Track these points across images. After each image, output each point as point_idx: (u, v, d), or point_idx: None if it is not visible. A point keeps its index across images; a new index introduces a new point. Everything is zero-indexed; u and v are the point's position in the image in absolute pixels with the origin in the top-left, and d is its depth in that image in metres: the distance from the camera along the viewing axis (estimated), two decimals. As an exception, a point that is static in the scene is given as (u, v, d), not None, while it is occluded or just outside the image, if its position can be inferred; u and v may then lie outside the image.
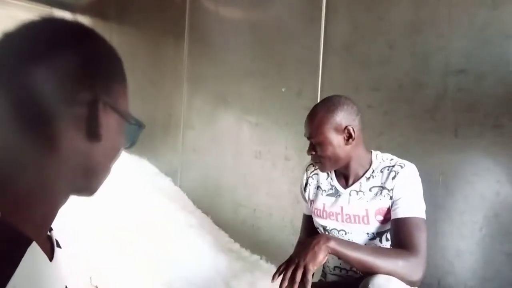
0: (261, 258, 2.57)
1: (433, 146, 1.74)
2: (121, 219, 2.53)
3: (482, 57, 1.61)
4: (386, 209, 1.25)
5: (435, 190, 1.70)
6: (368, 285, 1.04)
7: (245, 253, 2.66)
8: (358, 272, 1.25)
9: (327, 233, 1.37)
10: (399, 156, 1.33)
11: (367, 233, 1.29)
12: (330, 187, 1.38)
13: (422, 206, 1.22)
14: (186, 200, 3.27)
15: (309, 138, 1.31)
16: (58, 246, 0.61)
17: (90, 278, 1.98)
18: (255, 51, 2.73)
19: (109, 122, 0.53)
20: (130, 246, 2.30)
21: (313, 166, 1.45)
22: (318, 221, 1.40)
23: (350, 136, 1.26)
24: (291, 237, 2.39)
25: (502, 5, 1.56)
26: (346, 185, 1.35)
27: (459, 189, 1.66)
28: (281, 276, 1.10)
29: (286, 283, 1.08)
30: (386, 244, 1.28)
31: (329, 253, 1.09)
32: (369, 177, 1.30)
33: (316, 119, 1.27)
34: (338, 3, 2.19)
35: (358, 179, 1.32)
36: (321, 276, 1.46)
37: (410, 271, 1.09)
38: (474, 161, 1.63)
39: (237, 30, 2.90)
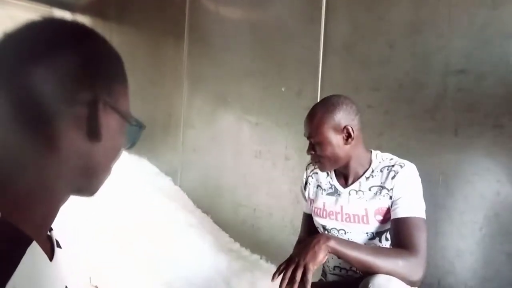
0: (261, 258, 2.57)
1: (433, 146, 1.74)
2: (121, 218, 2.53)
3: (482, 57, 1.61)
4: (386, 209, 1.25)
5: (435, 190, 1.70)
6: (368, 285, 1.04)
7: (245, 252, 2.66)
8: (358, 271, 1.25)
9: (326, 232, 1.37)
10: (399, 156, 1.33)
11: (367, 233, 1.29)
12: (330, 186, 1.38)
13: (422, 206, 1.22)
14: (186, 200, 3.27)
15: (308, 138, 1.32)
16: (59, 246, 0.61)
17: (90, 278, 1.99)
18: (255, 51, 2.73)
19: (109, 122, 0.53)
20: (130, 246, 2.30)
21: (313, 165, 1.46)
22: (318, 221, 1.40)
23: (349, 136, 1.26)
24: (291, 236, 2.39)
25: (502, 5, 1.56)
26: (345, 184, 1.35)
27: (459, 189, 1.66)
28: (281, 275, 1.10)
29: (286, 282, 1.08)
30: (386, 244, 1.28)
31: (329, 252, 1.09)
32: (368, 177, 1.30)
33: (315, 119, 1.28)
34: (338, 3, 2.19)
35: (358, 178, 1.32)
36: (321, 275, 1.46)
37: (410, 271, 1.09)
38: (474, 161, 1.63)
39: (237, 30, 2.90)
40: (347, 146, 1.27)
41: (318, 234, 1.15)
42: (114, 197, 2.49)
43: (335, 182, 1.37)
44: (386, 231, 1.27)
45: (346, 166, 1.32)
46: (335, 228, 1.34)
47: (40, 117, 0.48)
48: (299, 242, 1.48)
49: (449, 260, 1.68)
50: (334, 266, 1.37)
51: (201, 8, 3.27)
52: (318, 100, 1.67)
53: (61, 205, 0.54)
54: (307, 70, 2.33)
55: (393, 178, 1.24)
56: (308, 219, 1.48)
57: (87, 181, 0.55)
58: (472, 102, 1.63)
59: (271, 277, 1.14)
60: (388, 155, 1.33)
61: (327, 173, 1.41)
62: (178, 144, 3.50)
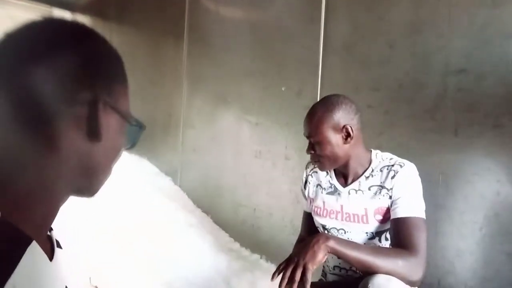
0: (261, 258, 2.57)
1: (433, 146, 1.74)
2: (121, 218, 2.53)
3: (482, 57, 1.61)
4: (386, 209, 1.25)
5: (435, 190, 1.70)
6: (368, 285, 1.04)
7: (245, 252, 2.66)
8: (358, 271, 1.25)
9: (326, 232, 1.37)
10: (399, 156, 1.33)
11: (366, 233, 1.29)
12: (330, 185, 1.38)
13: (422, 205, 1.22)
14: (186, 200, 3.27)
15: (308, 137, 1.32)
16: (59, 246, 0.61)
17: (90, 278, 1.99)
18: (255, 51, 2.73)
19: (109, 122, 0.53)
20: (130, 246, 2.30)
21: (313, 164, 1.46)
22: (318, 220, 1.40)
23: (348, 135, 1.26)
24: (291, 236, 2.39)
25: (502, 5, 1.56)
26: (345, 183, 1.35)
27: (459, 189, 1.66)
28: (281, 275, 1.10)
29: (285, 282, 1.08)
30: (386, 243, 1.28)
31: (328, 252, 1.09)
32: (368, 176, 1.30)
33: (315, 119, 1.28)
34: (338, 3, 2.19)
35: (357, 178, 1.32)
36: (321, 275, 1.46)
37: (410, 271, 1.09)
38: (474, 160, 1.63)
39: (237, 30, 2.90)
40: (347, 146, 1.27)
41: (318, 234, 1.15)
42: (114, 197, 2.49)
43: (334, 181, 1.37)
44: (385, 231, 1.27)
45: (346, 165, 1.32)
46: (335, 228, 1.34)
47: (40, 117, 0.48)
48: (300, 240, 1.48)
49: (449, 260, 1.68)
50: (334, 266, 1.37)
51: (201, 8, 3.27)
52: (318, 100, 1.67)
53: (61, 205, 0.54)
54: (307, 70, 2.33)
55: (392, 177, 1.24)
56: (308, 218, 1.48)
57: (87, 181, 0.55)
58: (472, 102, 1.63)
59: (270, 276, 1.15)
60: (388, 155, 1.33)
61: (327, 172, 1.41)
62: (178, 144, 3.50)
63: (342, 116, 1.26)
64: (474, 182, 1.62)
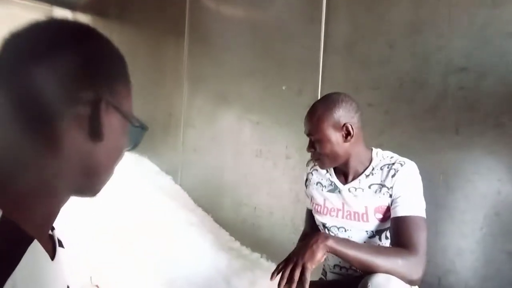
0: (261, 257, 2.58)
1: (434, 145, 1.74)
2: (122, 218, 2.54)
3: (482, 56, 1.61)
4: (386, 207, 1.25)
5: (436, 189, 1.70)
6: (368, 284, 1.04)
7: (246, 251, 2.66)
8: (358, 270, 1.25)
9: (326, 230, 1.37)
10: (400, 155, 1.32)
11: (366, 231, 1.29)
12: (330, 183, 1.38)
13: (422, 204, 1.22)
14: (187, 199, 3.28)
15: (308, 135, 1.32)
16: (61, 245, 0.62)
17: (91, 277, 1.99)
18: (256, 51, 2.73)
19: (111, 122, 0.54)
20: (130, 245, 2.30)
21: (313, 162, 1.46)
22: (318, 218, 1.40)
23: (348, 134, 1.26)
24: (291, 235, 2.40)
25: (502, 5, 1.56)
26: (345, 181, 1.35)
27: (460, 188, 1.66)
28: (280, 274, 1.10)
29: (284, 281, 1.08)
30: (386, 242, 1.28)
31: (327, 251, 1.09)
32: (368, 175, 1.30)
33: (315, 117, 1.28)
34: (339, 3, 2.19)
35: (358, 176, 1.32)
36: (322, 274, 1.46)
37: (410, 270, 1.09)
38: (475, 160, 1.63)
39: (237, 29, 2.90)
40: (347, 144, 1.27)
41: (317, 233, 1.15)
42: (115, 196, 2.49)
43: (334, 179, 1.38)
44: (386, 229, 1.28)
45: (346, 163, 1.32)
46: (335, 226, 1.34)
47: (42, 116, 0.48)
48: (304, 236, 1.48)
49: (449, 259, 1.68)
50: (334, 265, 1.38)
51: (202, 7, 3.27)
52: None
53: (63, 205, 0.55)
54: (307, 69, 2.33)
55: (393, 176, 1.24)
56: (311, 214, 1.48)
57: (89, 181, 0.55)
58: (473, 101, 1.63)
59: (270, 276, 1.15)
60: (388, 153, 1.33)
61: (326, 170, 1.41)
62: (178, 144, 3.50)
63: (343, 114, 1.26)
64: (474, 181, 1.62)
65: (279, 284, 1.09)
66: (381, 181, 1.27)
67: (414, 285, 1.14)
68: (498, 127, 1.56)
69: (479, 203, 1.61)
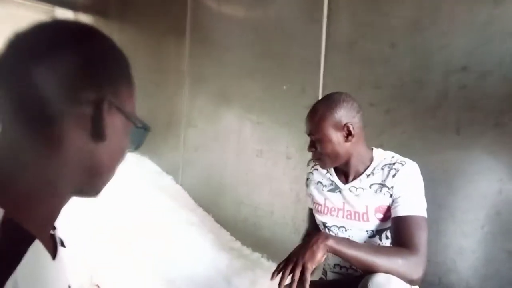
0: (262, 256, 2.58)
1: (435, 144, 1.74)
2: (122, 218, 2.54)
3: (484, 55, 1.61)
4: (386, 207, 1.25)
5: (437, 189, 1.70)
6: (368, 284, 1.04)
7: (247, 251, 2.66)
8: (358, 270, 1.25)
9: (326, 229, 1.37)
10: (401, 154, 1.32)
11: (367, 231, 1.29)
12: (331, 182, 1.38)
13: (423, 204, 1.22)
14: (188, 199, 3.28)
15: (309, 135, 1.32)
16: (63, 245, 0.62)
17: (91, 276, 1.99)
18: (257, 50, 2.73)
19: (114, 122, 0.54)
20: (131, 245, 2.31)
21: (313, 161, 1.46)
22: (318, 217, 1.40)
23: (349, 133, 1.26)
24: (292, 235, 2.40)
25: (504, 3, 1.56)
26: (346, 181, 1.35)
27: (461, 188, 1.66)
28: (280, 274, 1.10)
29: (285, 281, 1.08)
30: (386, 242, 1.28)
31: (327, 251, 1.09)
32: (369, 174, 1.30)
33: (316, 116, 1.28)
34: (340, 2, 2.19)
35: (358, 176, 1.32)
36: (322, 274, 1.46)
37: (410, 270, 1.09)
38: (476, 159, 1.63)
39: (239, 29, 2.90)
40: (348, 144, 1.27)
41: (317, 233, 1.15)
42: (116, 196, 2.50)
43: (334, 178, 1.37)
44: (386, 229, 1.27)
45: (347, 163, 1.32)
46: (336, 226, 1.34)
47: (45, 116, 0.49)
48: (308, 234, 1.48)
49: (451, 258, 1.68)
50: (335, 264, 1.37)
51: (203, 7, 3.27)
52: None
53: (64, 205, 0.55)
54: (308, 69, 2.33)
55: (394, 176, 1.24)
56: (313, 214, 1.48)
57: (91, 181, 0.55)
58: (474, 101, 1.63)
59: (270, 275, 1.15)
60: (389, 153, 1.33)
61: (327, 170, 1.41)
62: (179, 143, 3.51)
63: (344, 114, 1.26)
64: (475, 181, 1.62)
65: (279, 284, 1.09)
66: (382, 181, 1.26)
67: (415, 284, 1.14)
68: (499, 127, 1.56)
69: (480, 202, 1.61)
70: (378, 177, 1.28)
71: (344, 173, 1.36)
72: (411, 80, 1.84)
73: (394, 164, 1.26)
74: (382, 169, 1.28)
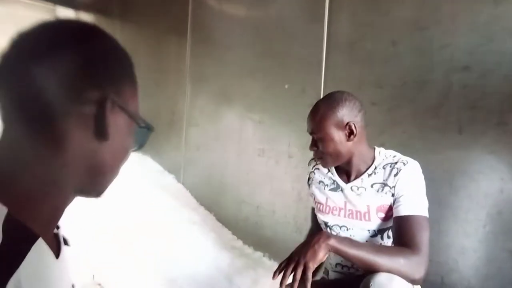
0: (264, 255, 2.58)
1: (436, 144, 1.74)
2: (124, 217, 2.54)
3: (485, 54, 1.60)
4: (388, 207, 1.25)
5: (439, 188, 1.69)
6: (370, 283, 1.04)
7: (248, 250, 2.67)
8: (360, 269, 1.25)
9: (328, 229, 1.37)
10: (402, 154, 1.32)
11: (368, 230, 1.29)
12: (332, 182, 1.38)
13: (425, 203, 1.21)
14: (189, 197, 3.28)
15: (311, 134, 1.32)
16: (67, 244, 0.62)
17: (93, 276, 2.00)
18: (258, 50, 2.73)
19: (117, 122, 0.54)
20: (132, 244, 2.31)
21: (315, 161, 1.46)
22: (320, 217, 1.40)
23: (351, 133, 1.26)
24: (294, 234, 2.40)
25: (505, 3, 1.55)
26: (347, 180, 1.35)
27: (463, 187, 1.66)
28: (282, 273, 1.10)
29: (286, 280, 1.08)
30: (387, 241, 1.28)
31: (329, 251, 1.09)
32: (371, 174, 1.30)
33: (318, 115, 1.27)
34: (341, 1, 2.19)
35: (360, 175, 1.32)
36: (324, 273, 1.46)
37: (412, 269, 1.09)
38: (478, 159, 1.62)
39: (240, 28, 2.90)
40: (350, 143, 1.27)
41: (319, 232, 1.15)
42: (117, 195, 2.50)
43: (336, 177, 1.37)
44: (388, 228, 1.27)
45: (349, 162, 1.32)
46: (337, 225, 1.34)
47: (49, 115, 0.49)
48: (312, 234, 1.48)
49: (453, 258, 1.68)
50: (336, 264, 1.37)
51: (204, 6, 3.27)
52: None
53: (68, 204, 0.55)
54: (310, 68, 2.33)
55: (395, 175, 1.24)
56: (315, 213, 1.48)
57: (94, 181, 0.55)
58: (476, 100, 1.63)
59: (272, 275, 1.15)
60: (391, 152, 1.33)
61: (328, 169, 1.41)
62: (181, 142, 3.51)
63: (346, 113, 1.26)
64: (477, 180, 1.62)
65: (281, 283, 1.09)
66: (384, 180, 1.26)
67: (417, 284, 1.14)
68: (500, 126, 1.56)
69: (482, 202, 1.60)
70: (379, 177, 1.28)
71: (346, 172, 1.36)
72: (412, 79, 1.83)
73: (396, 163, 1.26)
74: (384, 168, 1.28)
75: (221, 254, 2.46)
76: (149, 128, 0.60)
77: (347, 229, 1.32)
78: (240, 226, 2.84)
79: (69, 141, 0.50)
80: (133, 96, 0.58)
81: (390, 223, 1.25)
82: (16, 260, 0.44)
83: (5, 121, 0.50)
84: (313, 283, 1.07)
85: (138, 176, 3.21)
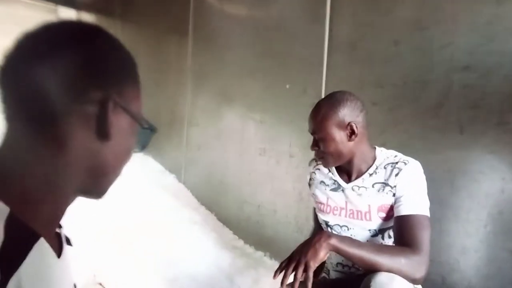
0: (265, 255, 2.58)
1: (438, 144, 1.74)
2: (125, 216, 2.55)
3: (487, 53, 1.60)
4: (389, 206, 1.25)
5: (440, 188, 1.69)
6: (370, 283, 1.04)
7: (249, 249, 2.67)
8: (360, 269, 1.25)
9: (329, 228, 1.37)
10: (403, 154, 1.32)
11: (369, 230, 1.29)
12: (333, 182, 1.38)
13: (426, 203, 1.21)
14: (190, 197, 3.28)
15: (312, 134, 1.31)
16: (69, 243, 0.62)
17: (94, 275, 2.00)
18: (259, 49, 2.73)
19: (119, 122, 0.54)
20: (133, 244, 2.31)
21: (316, 161, 1.46)
22: (321, 217, 1.40)
23: (353, 133, 1.26)
24: (295, 233, 2.40)
25: (507, 1, 1.55)
26: (348, 180, 1.35)
27: (464, 187, 1.66)
28: (283, 273, 1.11)
29: (287, 280, 1.08)
30: (388, 241, 1.28)
31: (330, 250, 1.09)
32: (372, 173, 1.30)
33: (319, 115, 1.27)
34: (342, 1, 2.18)
35: (361, 175, 1.32)
36: (324, 272, 1.46)
37: (413, 269, 1.09)
38: (478, 158, 1.62)
39: (241, 28, 2.90)
40: (351, 143, 1.27)
41: (320, 232, 1.15)
42: (118, 195, 2.50)
43: (337, 177, 1.37)
44: (389, 228, 1.27)
45: (350, 162, 1.32)
46: (338, 225, 1.34)
47: (51, 115, 0.49)
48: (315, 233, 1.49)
49: (454, 258, 1.67)
50: (337, 263, 1.38)
51: (206, 6, 3.27)
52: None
53: (70, 204, 0.55)
54: (311, 68, 2.33)
55: (396, 175, 1.24)
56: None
57: (96, 181, 0.55)
58: (477, 99, 1.62)
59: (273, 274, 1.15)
60: (392, 152, 1.33)
61: (328, 169, 1.41)
62: (182, 142, 3.51)
63: (347, 113, 1.26)
64: (478, 180, 1.62)
65: (282, 283, 1.09)
66: (385, 180, 1.26)
67: (417, 284, 1.14)
68: (501, 126, 1.56)
69: (482, 202, 1.60)
70: (381, 176, 1.28)
71: (347, 172, 1.36)
72: (413, 79, 1.83)
73: (397, 163, 1.26)
74: (385, 168, 1.28)
75: (222, 253, 2.46)
76: (151, 129, 0.60)
77: (348, 229, 1.33)
78: (241, 226, 2.84)
79: (71, 141, 0.50)
80: (136, 97, 0.58)
81: (391, 223, 1.25)
82: (17, 259, 0.44)
83: (8, 121, 0.50)
84: (314, 282, 1.07)
85: (139, 175, 3.22)
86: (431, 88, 1.77)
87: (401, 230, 1.18)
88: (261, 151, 2.69)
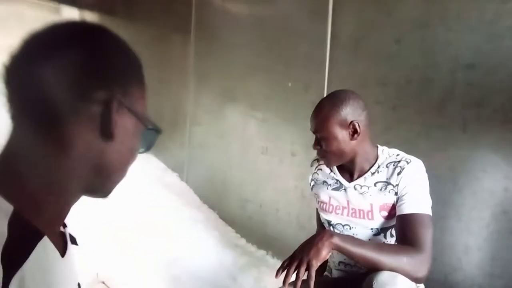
0: (267, 253, 2.58)
1: (441, 142, 1.73)
2: (127, 215, 2.55)
3: (491, 51, 1.59)
4: (391, 205, 1.25)
5: (443, 186, 1.69)
6: (373, 282, 1.04)
7: (251, 248, 2.67)
8: (363, 267, 1.25)
9: (331, 227, 1.37)
10: (406, 152, 1.32)
11: (371, 229, 1.29)
12: (335, 181, 1.38)
13: (428, 202, 1.21)
14: (193, 196, 3.29)
15: (314, 133, 1.31)
16: (74, 243, 0.62)
17: (97, 274, 2.00)
18: (262, 48, 2.73)
19: (124, 122, 0.54)
20: (135, 242, 2.32)
21: (318, 161, 1.46)
22: (323, 216, 1.40)
23: (355, 132, 1.25)
24: (297, 232, 2.40)
25: (512, 0, 1.54)
26: (350, 179, 1.34)
27: (467, 185, 1.65)
28: (285, 272, 1.11)
29: (289, 279, 1.08)
30: (391, 240, 1.28)
31: (332, 249, 1.09)
32: (374, 172, 1.29)
33: (322, 114, 1.27)
34: (345, -1, 2.18)
35: (363, 174, 1.31)
36: (327, 271, 1.46)
37: (415, 268, 1.09)
38: (482, 157, 1.62)
39: (244, 26, 2.89)
40: (353, 142, 1.27)
41: (322, 231, 1.15)
42: (121, 193, 2.50)
43: (338, 177, 1.37)
44: (391, 227, 1.27)
45: (352, 161, 1.31)
46: (340, 224, 1.34)
47: (56, 114, 0.49)
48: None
49: (456, 257, 1.67)
50: (339, 262, 1.37)
51: (208, 5, 3.26)
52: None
53: (74, 203, 0.55)
54: (313, 66, 2.32)
55: (398, 174, 1.24)
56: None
57: (100, 181, 0.56)
58: (481, 98, 1.62)
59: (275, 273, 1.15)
60: (395, 151, 1.33)
61: (330, 169, 1.40)
62: (185, 140, 3.51)
63: (350, 112, 1.25)
64: (482, 179, 1.61)
65: (284, 281, 1.08)
66: (387, 178, 1.26)
67: (420, 283, 1.14)
68: (506, 124, 1.55)
69: (486, 200, 1.60)
70: (383, 175, 1.27)
71: (349, 171, 1.35)
72: (417, 77, 1.83)
73: (399, 162, 1.26)
74: (387, 167, 1.28)
75: (225, 252, 2.47)
76: (156, 130, 0.60)
77: (350, 228, 1.32)
78: (243, 224, 2.84)
79: (76, 141, 0.50)
80: (140, 98, 0.58)
81: (393, 222, 1.25)
82: (21, 257, 0.44)
83: (13, 120, 0.50)
84: (316, 281, 1.07)
85: (142, 174, 3.22)
86: (435, 87, 1.76)
87: (403, 229, 1.18)
88: (263, 150, 2.69)
